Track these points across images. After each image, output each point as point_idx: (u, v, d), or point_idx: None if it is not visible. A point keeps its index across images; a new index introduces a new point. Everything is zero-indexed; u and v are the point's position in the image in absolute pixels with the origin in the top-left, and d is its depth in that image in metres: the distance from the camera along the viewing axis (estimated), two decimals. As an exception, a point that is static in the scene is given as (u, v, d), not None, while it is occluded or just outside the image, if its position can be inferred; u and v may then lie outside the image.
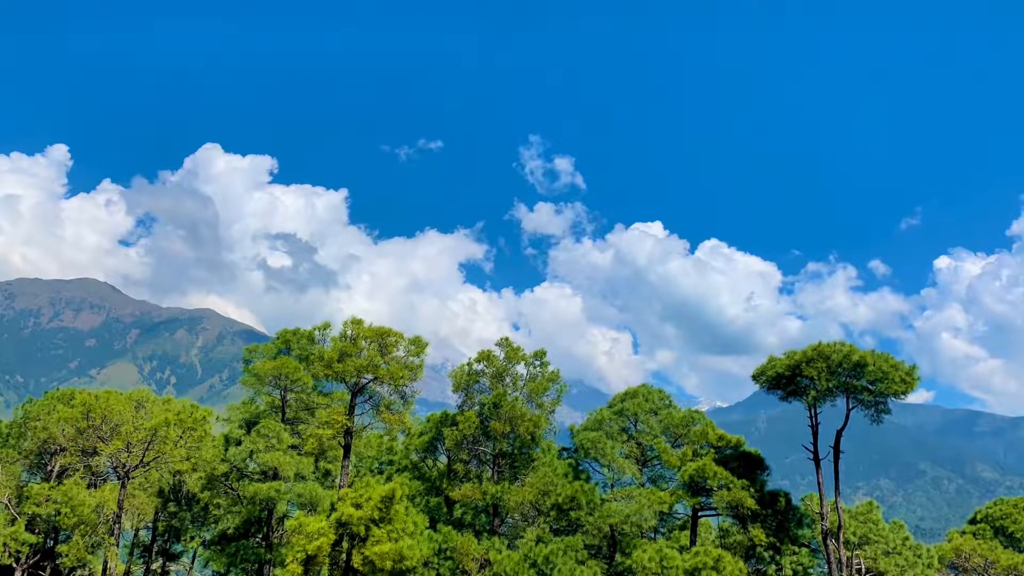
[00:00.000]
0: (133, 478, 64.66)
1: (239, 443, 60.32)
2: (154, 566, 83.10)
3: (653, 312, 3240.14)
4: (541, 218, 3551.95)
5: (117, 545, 63.98)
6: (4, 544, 62.38)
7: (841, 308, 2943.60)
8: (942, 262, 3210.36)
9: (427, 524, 55.19)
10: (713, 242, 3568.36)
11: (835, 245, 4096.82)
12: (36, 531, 67.88)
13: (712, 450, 62.62)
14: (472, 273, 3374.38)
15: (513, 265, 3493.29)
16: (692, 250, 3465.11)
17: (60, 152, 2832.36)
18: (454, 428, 59.62)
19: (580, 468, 63.33)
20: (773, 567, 68.73)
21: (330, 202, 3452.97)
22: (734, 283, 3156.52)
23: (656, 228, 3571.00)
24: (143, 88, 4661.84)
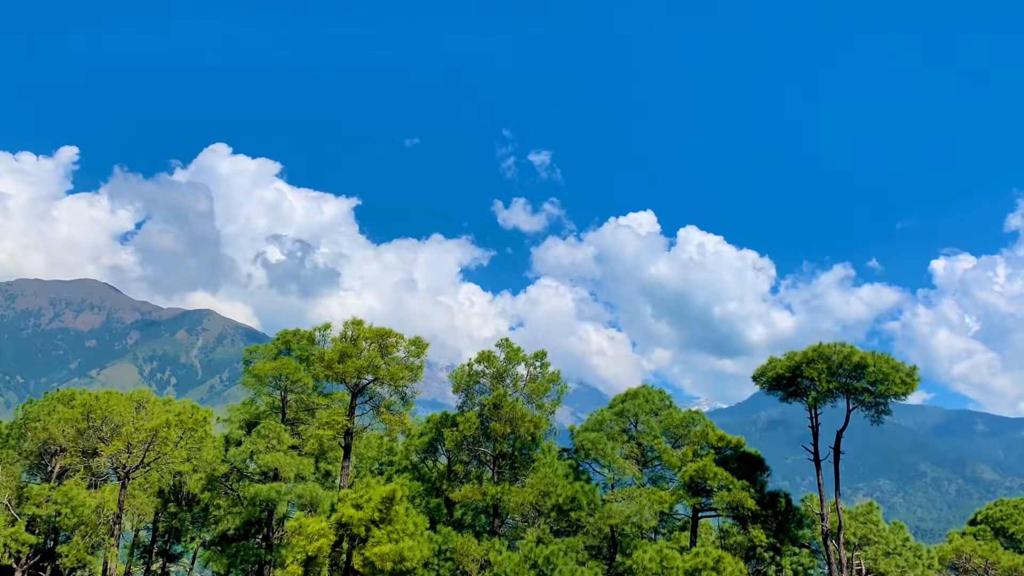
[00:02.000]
0: (133, 479, 64.63)
1: (239, 444, 60.30)
2: (154, 567, 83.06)
3: (646, 309, 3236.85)
4: (530, 216, 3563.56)
5: (117, 546, 63.94)
6: (4, 545, 62.36)
7: (837, 307, 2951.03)
8: (937, 261, 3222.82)
9: (427, 525, 55.15)
10: (705, 237, 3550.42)
11: (830, 244, 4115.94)
12: (36, 532, 67.88)
13: (712, 451, 62.62)
14: (468, 274, 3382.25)
15: (504, 264, 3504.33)
16: (686, 245, 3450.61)
17: (69, 153, 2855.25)
18: (454, 429, 59.60)
19: (580, 469, 63.32)
20: (773, 568, 68.70)
21: (328, 202, 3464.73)
22: (727, 280, 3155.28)
23: (648, 221, 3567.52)
24: (151, 91, 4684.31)
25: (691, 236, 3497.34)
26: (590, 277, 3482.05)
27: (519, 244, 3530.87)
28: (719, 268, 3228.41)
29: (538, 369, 61.16)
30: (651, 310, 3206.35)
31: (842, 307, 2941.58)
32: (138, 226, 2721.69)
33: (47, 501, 64.24)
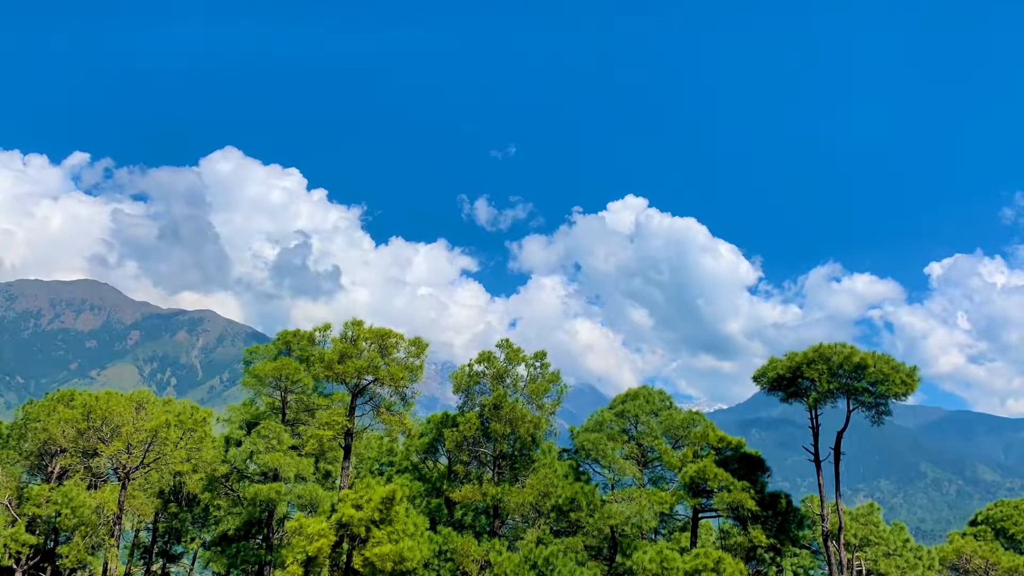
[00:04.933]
0: (133, 479, 64.64)
1: (239, 444, 60.26)
2: (154, 567, 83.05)
3: (636, 305, 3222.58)
4: (515, 211, 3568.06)
5: (117, 546, 63.94)
6: (4, 545, 62.34)
7: (830, 306, 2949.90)
8: (933, 262, 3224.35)
9: (427, 525, 55.13)
10: (695, 229, 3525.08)
11: (823, 241, 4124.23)
12: (36, 532, 67.83)
13: (713, 452, 62.56)
14: (460, 275, 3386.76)
15: (491, 262, 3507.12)
16: (673, 234, 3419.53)
17: (79, 157, 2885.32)
18: (455, 429, 59.58)
19: (580, 469, 63.32)
20: (774, 569, 68.70)
21: (326, 202, 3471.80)
22: (717, 276, 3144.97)
23: (630, 218, 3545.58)
24: (151, 94, 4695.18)
25: (677, 226, 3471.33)
26: (579, 273, 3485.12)
27: (506, 241, 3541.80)
28: (707, 263, 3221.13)
29: (538, 369, 61.14)
30: (639, 306, 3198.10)
31: (835, 306, 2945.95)
32: (141, 227, 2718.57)
33: (47, 502, 64.22)
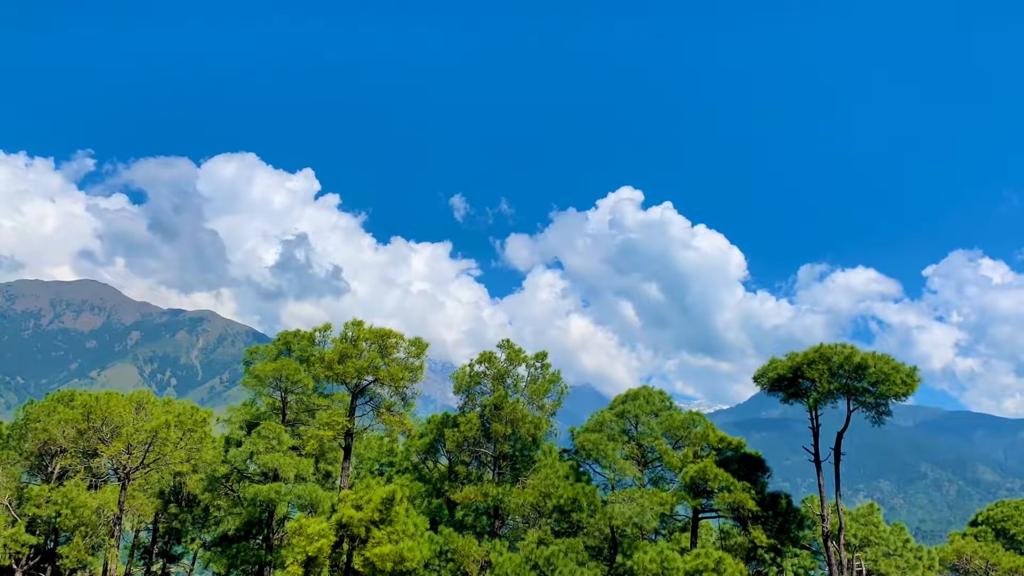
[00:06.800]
0: (133, 479, 64.62)
1: (239, 444, 60.27)
2: (154, 568, 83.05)
3: (630, 304, 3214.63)
4: (507, 211, 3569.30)
5: (117, 547, 63.95)
6: (4, 545, 62.35)
7: (827, 306, 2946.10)
8: (928, 259, 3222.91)
9: (428, 526, 55.11)
10: (696, 228, 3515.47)
11: (818, 239, 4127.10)
12: (36, 532, 67.84)
13: (713, 452, 62.52)
14: (456, 273, 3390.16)
15: (490, 265, 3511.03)
16: (671, 229, 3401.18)
17: (84, 160, 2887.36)
18: (455, 430, 59.56)
19: (581, 470, 63.26)
20: (774, 569, 68.70)
21: (326, 201, 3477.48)
22: (713, 275, 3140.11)
23: (634, 205, 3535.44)
24: (155, 93, 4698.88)
25: (674, 221, 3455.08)
26: (573, 272, 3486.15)
27: (490, 237, 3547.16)
28: (701, 261, 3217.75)
29: (539, 370, 61.12)
30: (631, 305, 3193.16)
31: (829, 303, 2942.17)
32: (140, 227, 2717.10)
33: (47, 502, 64.22)
